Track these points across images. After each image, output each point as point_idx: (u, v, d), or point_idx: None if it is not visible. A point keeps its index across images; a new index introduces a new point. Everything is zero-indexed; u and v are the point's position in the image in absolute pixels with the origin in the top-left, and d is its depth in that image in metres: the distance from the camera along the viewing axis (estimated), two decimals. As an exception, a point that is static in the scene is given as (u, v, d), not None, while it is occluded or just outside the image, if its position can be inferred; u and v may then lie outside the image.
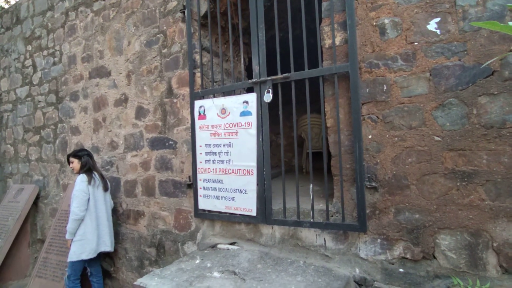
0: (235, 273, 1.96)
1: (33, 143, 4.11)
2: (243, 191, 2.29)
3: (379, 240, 1.91)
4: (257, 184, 2.24)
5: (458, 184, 1.72)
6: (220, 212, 2.47)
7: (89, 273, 2.88)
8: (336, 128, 2.01)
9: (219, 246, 2.48)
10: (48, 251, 3.09)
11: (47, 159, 3.93)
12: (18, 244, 3.77)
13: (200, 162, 2.53)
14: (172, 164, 2.82)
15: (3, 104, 4.57)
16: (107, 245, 2.82)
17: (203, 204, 2.56)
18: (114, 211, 3.20)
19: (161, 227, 2.88)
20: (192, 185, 2.63)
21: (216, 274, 1.96)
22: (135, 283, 1.89)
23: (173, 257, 2.77)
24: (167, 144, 2.85)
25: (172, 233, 2.81)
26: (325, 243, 2.08)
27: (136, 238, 3.03)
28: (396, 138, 1.87)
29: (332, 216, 2.07)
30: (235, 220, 2.40)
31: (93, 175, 2.85)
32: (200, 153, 2.54)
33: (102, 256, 3.26)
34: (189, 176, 2.67)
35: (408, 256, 1.83)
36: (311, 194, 2.07)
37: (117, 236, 3.15)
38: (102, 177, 2.91)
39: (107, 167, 3.29)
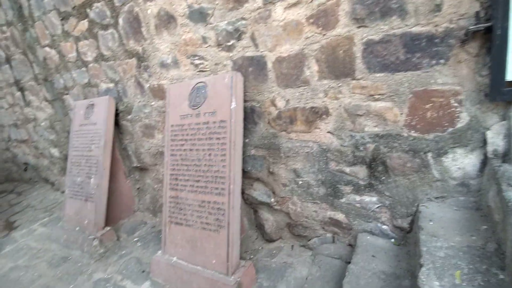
0: None
1: (81, 34, 2.68)
2: None
3: None
4: None
5: None
6: None
7: None
8: None
9: None
10: (175, 188, 2.03)
11: (112, 54, 2.54)
12: (113, 176, 2.80)
13: None
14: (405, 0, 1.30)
15: (14, -16, 2.99)
16: None
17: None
18: (259, 115, 1.93)
19: (371, 129, 1.58)
20: (491, 30, 1.16)
21: None
22: None
23: (410, 177, 1.55)
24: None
25: (402, 137, 1.51)
26: None
27: (314, 153, 1.80)
28: None
29: None
30: None
31: None
32: None
33: (247, 181, 2.18)
34: (478, 12, 1.16)
35: None
36: None
37: (276, 151, 1.95)
38: None
39: (229, 42, 1.85)
